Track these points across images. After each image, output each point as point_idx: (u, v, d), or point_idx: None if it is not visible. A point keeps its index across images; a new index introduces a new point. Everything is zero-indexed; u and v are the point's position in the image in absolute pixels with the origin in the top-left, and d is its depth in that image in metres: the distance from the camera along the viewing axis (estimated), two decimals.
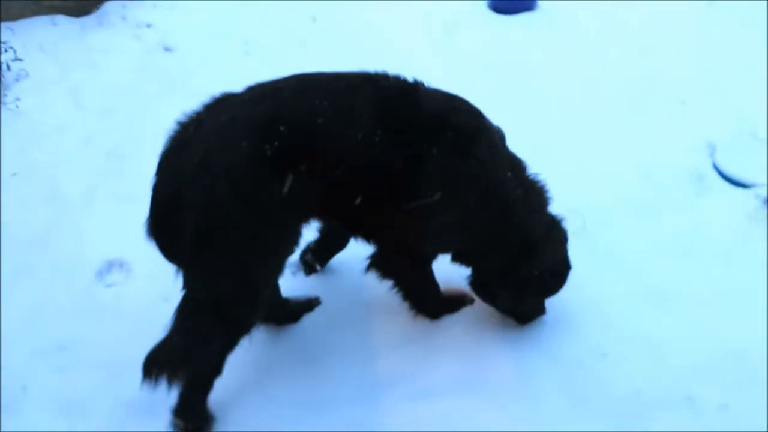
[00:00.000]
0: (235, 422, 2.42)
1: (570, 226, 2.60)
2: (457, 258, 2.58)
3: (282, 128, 2.10)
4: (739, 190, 3.21)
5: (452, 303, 2.75)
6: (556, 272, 2.52)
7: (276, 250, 2.26)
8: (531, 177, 2.48)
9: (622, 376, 2.47)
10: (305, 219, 2.33)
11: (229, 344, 2.30)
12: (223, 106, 2.22)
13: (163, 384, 2.23)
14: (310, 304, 2.79)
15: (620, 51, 4.20)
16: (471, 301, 2.76)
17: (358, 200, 2.25)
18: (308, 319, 2.75)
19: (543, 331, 2.66)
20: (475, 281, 2.59)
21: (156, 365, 2.22)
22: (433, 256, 2.58)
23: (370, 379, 2.54)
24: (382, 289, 2.67)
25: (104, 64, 4.24)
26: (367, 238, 2.50)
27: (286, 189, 2.10)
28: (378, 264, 2.55)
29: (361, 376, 2.54)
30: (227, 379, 2.37)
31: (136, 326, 2.62)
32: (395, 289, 2.62)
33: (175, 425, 2.34)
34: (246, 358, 2.50)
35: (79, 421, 2.41)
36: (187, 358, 2.25)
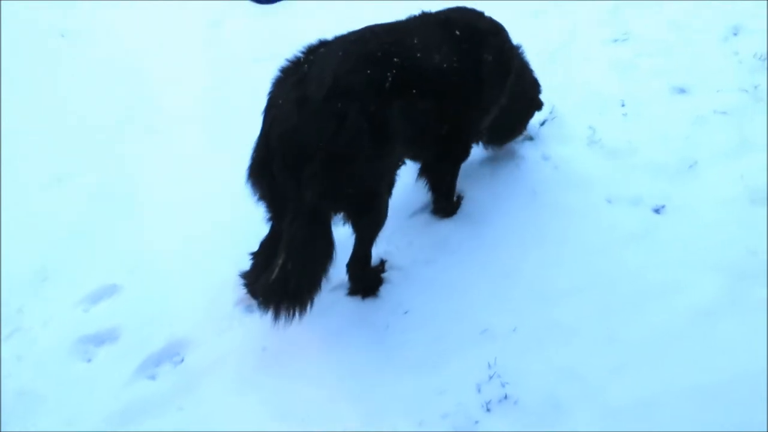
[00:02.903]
0: None
1: None
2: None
3: (396, 60, 2.43)
4: None
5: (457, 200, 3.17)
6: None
7: (389, 170, 2.63)
8: None
9: (424, 326, 2.66)
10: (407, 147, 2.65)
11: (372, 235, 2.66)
12: (328, 47, 2.49)
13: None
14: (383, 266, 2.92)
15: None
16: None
17: (447, 114, 2.69)
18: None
19: (352, 303, 2.80)
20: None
21: (273, 297, 2.40)
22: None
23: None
24: None
25: None
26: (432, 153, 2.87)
27: (401, 113, 2.44)
28: (433, 170, 2.97)
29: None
30: None
31: None
32: (438, 192, 3.02)
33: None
34: None
35: None
36: (300, 290, 2.42)
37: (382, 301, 2.78)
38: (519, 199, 3.19)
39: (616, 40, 4.24)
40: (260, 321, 2.73)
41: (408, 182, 3.06)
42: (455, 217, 3.11)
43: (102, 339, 2.75)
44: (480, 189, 3.22)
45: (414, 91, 2.47)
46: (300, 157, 2.31)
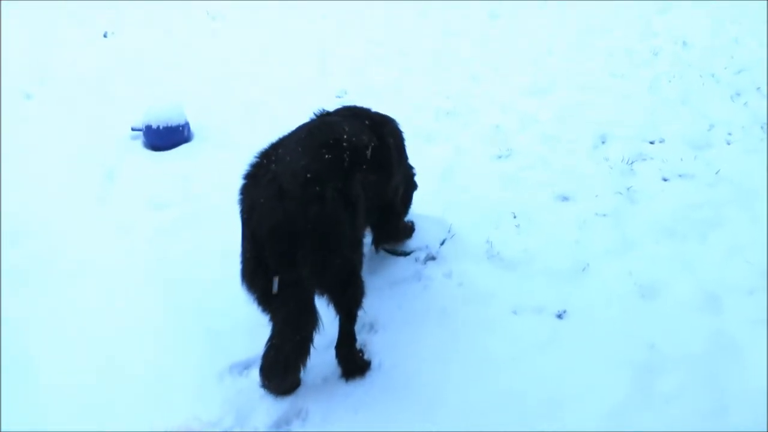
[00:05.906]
0: None
1: None
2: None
3: (345, 144, 2.74)
4: (405, 258, 3.66)
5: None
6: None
7: (360, 242, 2.91)
8: None
9: None
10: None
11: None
12: (283, 147, 2.74)
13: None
14: None
15: None
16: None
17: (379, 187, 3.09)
18: None
19: None
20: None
21: (274, 378, 2.69)
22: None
23: None
24: None
25: None
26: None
27: (359, 186, 2.77)
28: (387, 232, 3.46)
29: None
30: None
31: None
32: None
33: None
34: None
35: None
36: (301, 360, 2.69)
37: None
38: (430, 320, 3.23)
39: (500, 157, 4.59)
40: None
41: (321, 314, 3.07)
42: (369, 347, 3.11)
43: None
44: (391, 314, 3.26)
45: (364, 166, 2.80)
46: (292, 243, 2.50)
